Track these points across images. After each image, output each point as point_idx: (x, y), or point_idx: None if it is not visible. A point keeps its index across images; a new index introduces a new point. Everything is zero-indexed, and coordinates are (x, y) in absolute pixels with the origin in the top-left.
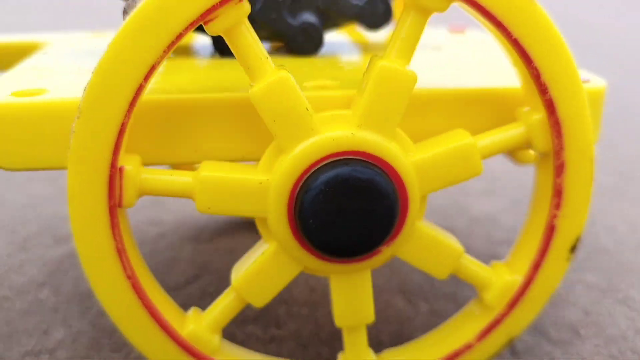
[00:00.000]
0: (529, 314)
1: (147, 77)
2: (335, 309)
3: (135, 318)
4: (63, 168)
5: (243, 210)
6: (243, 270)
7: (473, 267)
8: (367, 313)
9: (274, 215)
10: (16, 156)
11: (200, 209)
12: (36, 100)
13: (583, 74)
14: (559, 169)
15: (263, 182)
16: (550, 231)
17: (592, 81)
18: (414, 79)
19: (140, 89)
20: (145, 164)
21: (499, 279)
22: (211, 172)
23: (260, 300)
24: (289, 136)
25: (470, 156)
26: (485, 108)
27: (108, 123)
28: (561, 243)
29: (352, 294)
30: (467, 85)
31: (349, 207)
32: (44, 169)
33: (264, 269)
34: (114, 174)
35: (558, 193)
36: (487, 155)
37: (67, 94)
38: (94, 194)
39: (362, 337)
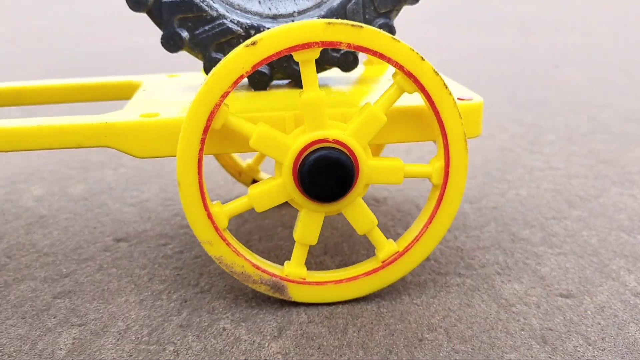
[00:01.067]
0: (405, 265)
1: (221, 100)
2: (297, 229)
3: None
4: (172, 155)
5: (274, 154)
6: (258, 188)
7: (378, 236)
8: (313, 238)
9: (287, 165)
10: (145, 151)
11: (252, 145)
12: (156, 119)
13: (466, 93)
14: (442, 193)
15: (288, 145)
16: (430, 220)
17: (474, 99)
18: (384, 121)
19: (216, 107)
20: (215, 152)
21: (390, 246)
22: (267, 128)
23: (260, 207)
24: (310, 126)
25: (399, 171)
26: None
27: (198, 127)
28: (435, 232)
29: (310, 223)
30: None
31: (327, 173)
32: (159, 156)
33: (271, 191)
34: (201, 157)
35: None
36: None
37: (172, 116)
38: (190, 167)
39: (304, 253)
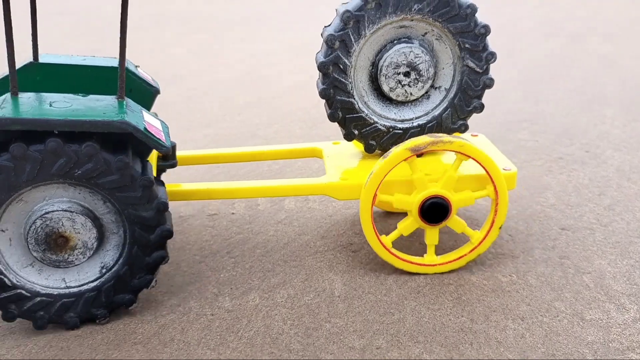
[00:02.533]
0: (485, 245)
1: (384, 176)
2: (426, 239)
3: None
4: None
5: (407, 209)
6: (403, 223)
7: (469, 230)
8: (436, 242)
9: (414, 213)
10: (344, 197)
11: (395, 206)
12: (347, 182)
13: (507, 164)
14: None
15: (411, 203)
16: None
17: (511, 169)
18: (455, 178)
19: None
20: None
21: (477, 234)
22: (400, 196)
23: (406, 233)
24: (420, 188)
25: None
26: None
27: (373, 191)
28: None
29: (432, 235)
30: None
31: (433, 206)
32: (352, 199)
33: (409, 225)
34: (374, 199)
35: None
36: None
37: (357, 182)
38: (368, 206)
39: (433, 250)
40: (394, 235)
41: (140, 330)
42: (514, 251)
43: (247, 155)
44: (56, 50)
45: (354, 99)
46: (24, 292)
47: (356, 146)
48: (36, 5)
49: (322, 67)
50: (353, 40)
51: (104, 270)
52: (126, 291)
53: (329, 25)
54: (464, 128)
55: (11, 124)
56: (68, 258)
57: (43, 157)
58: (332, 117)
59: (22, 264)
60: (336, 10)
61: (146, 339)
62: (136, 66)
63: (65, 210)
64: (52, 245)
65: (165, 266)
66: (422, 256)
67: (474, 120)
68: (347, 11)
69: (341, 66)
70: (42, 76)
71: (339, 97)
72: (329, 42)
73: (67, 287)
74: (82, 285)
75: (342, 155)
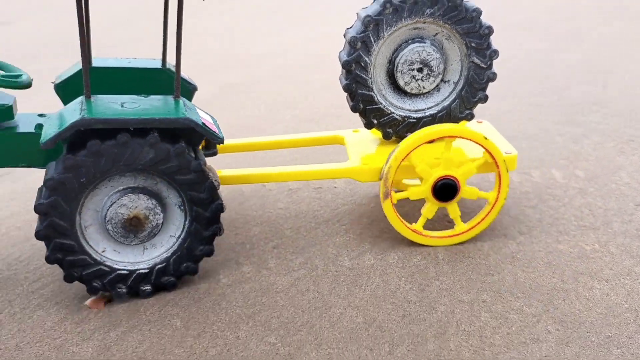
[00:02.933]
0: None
1: (406, 156)
2: (424, 211)
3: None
4: (376, 180)
5: (425, 177)
6: (413, 189)
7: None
8: (431, 215)
9: (429, 183)
10: (365, 179)
11: (417, 172)
12: (368, 166)
13: (509, 148)
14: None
15: (432, 175)
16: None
17: (512, 152)
18: (475, 172)
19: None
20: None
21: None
22: (424, 165)
23: (413, 198)
24: (444, 166)
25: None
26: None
27: (396, 165)
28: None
29: (431, 209)
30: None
31: (445, 186)
32: (371, 181)
33: (420, 191)
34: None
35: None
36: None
37: (375, 165)
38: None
39: (424, 221)
40: (421, 221)
41: (279, 282)
42: (595, 224)
43: (275, 144)
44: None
45: (374, 92)
46: (104, 267)
47: (374, 133)
48: (89, 13)
49: (345, 64)
50: (373, 41)
51: (170, 245)
52: (190, 261)
53: (351, 27)
54: (470, 117)
55: (95, 123)
56: (141, 236)
57: (116, 150)
58: (354, 109)
59: (101, 244)
60: (357, 14)
61: (285, 288)
62: (169, 65)
63: (135, 195)
64: (127, 227)
65: (287, 231)
66: (453, 228)
67: (544, 103)
68: (368, 16)
69: (362, 64)
70: (94, 79)
71: (360, 91)
72: (352, 42)
73: (141, 262)
74: (153, 258)
75: (363, 142)
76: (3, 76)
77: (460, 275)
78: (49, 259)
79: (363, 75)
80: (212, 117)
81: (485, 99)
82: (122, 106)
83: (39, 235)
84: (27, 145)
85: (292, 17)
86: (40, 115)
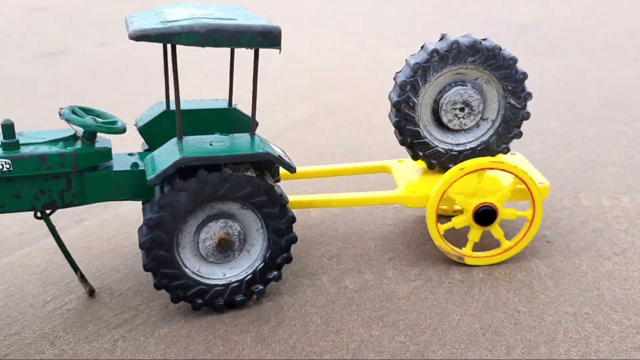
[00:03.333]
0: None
1: (447, 188)
2: (470, 236)
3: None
4: (423, 207)
5: (465, 208)
6: (457, 219)
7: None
8: (477, 239)
9: (469, 212)
10: (413, 205)
11: (457, 203)
12: (416, 194)
13: (541, 179)
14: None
15: (470, 204)
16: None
17: (544, 183)
18: (509, 197)
19: (445, 191)
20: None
21: (507, 242)
22: (461, 197)
23: (458, 226)
24: (480, 195)
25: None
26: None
27: (437, 198)
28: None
29: (476, 234)
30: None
31: (485, 211)
32: (419, 207)
33: (463, 220)
34: (437, 210)
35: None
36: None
37: (424, 194)
38: (434, 214)
39: (472, 245)
40: (469, 245)
41: (400, 290)
42: None
43: (329, 172)
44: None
45: (420, 128)
46: (202, 286)
47: (417, 163)
48: (177, 65)
49: (396, 104)
50: (420, 84)
51: (253, 258)
52: (274, 269)
53: (400, 71)
54: (506, 150)
55: (194, 161)
56: (228, 255)
57: (217, 182)
58: (402, 142)
59: (190, 261)
60: (406, 60)
61: (406, 295)
62: (235, 104)
63: (229, 220)
64: (218, 247)
65: (399, 245)
66: (500, 247)
67: (627, 130)
68: (417, 63)
69: (410, 104)
70: (172, 121)
71: (408, 127)
72: (402, 86)
73: (226, 278)
74: (239, 274)
75: (408, 171)
76: (102, 123)
77: (563, 290)
78: (158, 287)
79: (411, 114)
80: (281, 149)
81: (520, 135)
82: (211, 145)
83: (146, 267)
84: (124, 182)
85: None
86: (130, 155)
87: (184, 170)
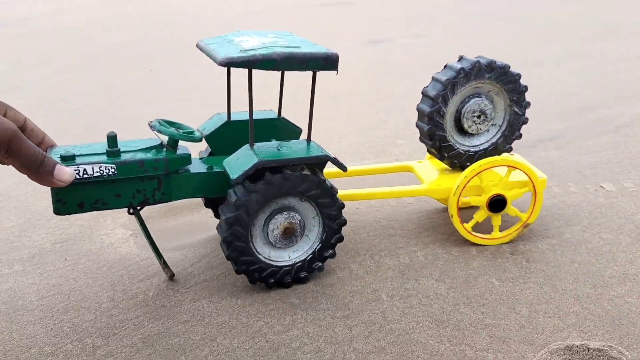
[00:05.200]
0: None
1: (466, 183)
2: (494, 220)
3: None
4: (444, 197)
5: (480, 205)
6: (478, 214)
7: (519, 213)
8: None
9: (484, 206)
10: (436, 196)
11: (472, 202)
12: (440, 187)
13: (540, 173)
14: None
15: (483, 200)
16: (532, 210)
17: (542, 176)
18: (519, 195)
19: (466, 185)
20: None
21: (525, 215)
22: (476, 198)
23: (479, 219)
24: (491, 190)
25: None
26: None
27: (459, 192)
28: (536, 212)
29: (494, 217)
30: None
31: (496, 201)
32: (441, 197)
33: (482, 215)
34: (458, 201)
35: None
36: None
37: (446, 186)
38: (456, 205)
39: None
40: (472, 222)
41: (477, 265)
42: None
43: (358, 172)
44: None
45: (447, 133)
46: (273, 268)
47: (433, 163)
48: (252, 84)
49: (430, 114)
50: (449, 96)
51: (312, 241)
52: (329, 248)
53: (428, 86)
54: (509, 150)
55: (270, 164)
56: (292, 240)
57: (281, 181)
58: (433, 146)
59: (262, 248)
60: (433, 77)
61: (482, 272)
62: (282, 115)
63: (290, 212)
64: (284, 234)
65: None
66: (490, 234)
67: None
68: (448, 79)
69: (441, 113)
70: (234, 130)
71: (438, 133)
72: (436, 98)
73: (291, 259)
74: (301, 255)
75: (429, 170)
76: (183, 132)
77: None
78: (239, 272)
79: (440, 122)
80: (332, 152)
81: (520, 136)
82: (279, 150)
83: (229, 257)
84: (202, 182)
85: None
86: (201, 159)
87: (252, 174)
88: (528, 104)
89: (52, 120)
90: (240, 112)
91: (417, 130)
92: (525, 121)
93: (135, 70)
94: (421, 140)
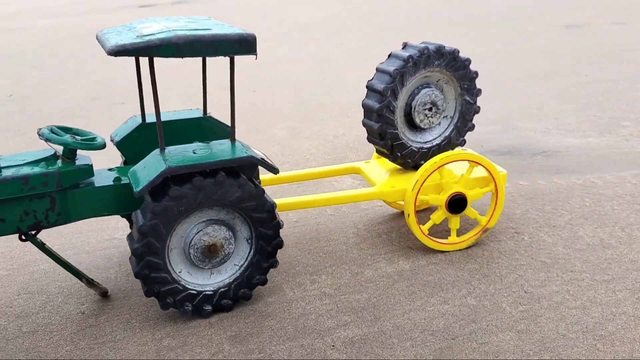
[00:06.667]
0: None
1: (422, 184)
2: (450, 224)
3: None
4: (401, 200)
5: (438, 204)
6: (435, 215)
7: (478, 216)
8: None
9: (443, 206)
10: (392, 199)
11: (430, 201)
12: (395, 189)
13: (501, 169)
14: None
15: (441, 199)
16: (493, 213)
17: (502, 171)
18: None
19: (421, 186)
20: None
21: (484, 219)
22: (433, 197)
23: (437, 221)
24: (446, 189)
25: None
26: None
27: (415, 193)
28: (496, 216)
29: (454, 220)
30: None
31: (456, 200)
32: (397, 200)
33: (440, 215)
34: (416, 199)
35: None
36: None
37: (401, 187)
38: (412, 206)
39: (455, 231)
40: (429, 224)
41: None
42: None
43: (300, 176)
44: None
45: (398, 130)
46: (178, 286)
47: (381, 162)
48: (155, 76)
49: (379, 110)
50: (399, 89)
51: (233, 272)
52: (261, 273)
53: (372, 79)
54: (463, 143)
55: (180, 170)
56: (213, 262)
57: (212, 187)
58: (384, 146)
59: (180, 266)
60: (377, 68)
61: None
62: (209, 114)
63: (218, 226)
64: (205, 252)
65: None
66: (447, 238)
67: None
68: (396, 69)
69: (391, 108)
70: (150, 133)
71: (389, 131)
72: (385, 91)
73: (207, 284)
74: (218, 282)
75: (378, 171)
76: (81, 140)
77: None
78: (148, 294)
79: (391, 118)
80: (262, 152)
81: (473, 127)
82: (194, 153)
83: (137, 275)
84: (108, 197)
85: None
86: (110, 170)
87: (173, 179)
88: (479, 91)
89: None
90: (162, 112)
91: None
92: (478, 110)
93: None
94: (370, 140)
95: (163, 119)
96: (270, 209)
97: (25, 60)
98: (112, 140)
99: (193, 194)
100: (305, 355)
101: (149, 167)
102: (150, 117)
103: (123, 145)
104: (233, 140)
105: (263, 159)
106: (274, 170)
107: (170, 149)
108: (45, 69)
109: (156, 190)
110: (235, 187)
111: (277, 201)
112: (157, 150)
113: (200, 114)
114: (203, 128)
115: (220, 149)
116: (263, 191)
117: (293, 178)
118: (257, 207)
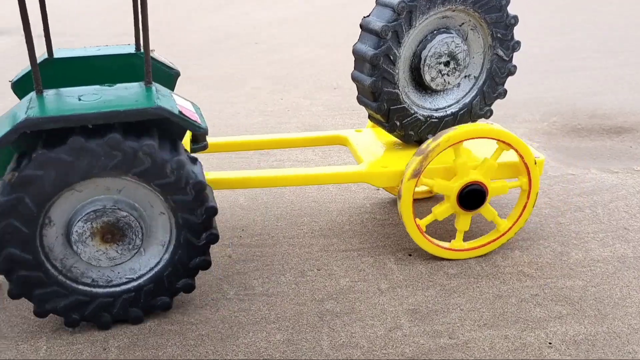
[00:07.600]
0: (512, 233)
1: (425, 166)
2: (457, 225)
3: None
4: (396, 185)
5: (446, 194)
6: (438, 209)
7: (498, 219)
8: (466, 228)
9: (452, 198)
10: (382, 184)
11: (435, 190)
12: (389, 170)
13: (538, 154)
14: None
15: (452, 188)
16: (520, 215)
17: (540, 157)
18: (496, 167)
19: (422, 170)
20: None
21: (505, 223)
22: (440, 181)
23: (441, 218)
24: (461, 175)
25: (506, 187)
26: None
27: (414, 178)
28: (523, 220)
29: (464, 221)
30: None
31: (471, 192)
32: (389, 185)
33: (445, 209)
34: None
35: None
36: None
37: (397, 168)
38: (409, 195)
39: (461, 236)
40: (428, 219)
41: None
42: None
43: (274, 143)
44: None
45: (399, 90)
46: (61, 290)
47: (377, 133)
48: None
49: (374, 58)
50: (404, 30)
51: (155, 261)
52: (185, 276)
53: (369, 15)
54: (489, 114)
55: (43, 123)
56: (118, 255)
57: (69, 159)
58: (378, 110)
59: (62, 262)
60: (377, 1)
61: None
62: (151, 50)
63: (115, 206)
64: (101, 243)
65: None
66: (450, 242)
67: None
68: (402, 1)
69: (391, 57)
70: (59, 71)
71: (386, 89)
72: (383, 32)
73: (115, 285)
74: (134, 280)
75: (371, 144)
76: None
77: None
78: (13, 295)
79: (390, 71)
80: (194, 104)
81: (504, 93)
82: (79, 100)
83: None
84: None
85: None
86: None
87: (55, 135)
88: (517, 44)
89: None
90: (85, 48)
91: None
92: (513, 71)
93: None
94: (360, 100)
95: (78, 54)
96: (197, 187)
97: None
98: (10, 81)
99: (69, 161)
100: (512, 350)
101: (10, 117)
102: (60, 52)
103: (20, 87)
104: (149, 83)
105: (182, 113)
106: (198, 129)
107: (49, 93)
108: None
109: (27, 152)
110: (141, 154)
111: (215, 175)
112: (32, 94)
113: (132, 50)
114: (136, 67)
115: (119, 95)
116: (184, 162)
117: (261, 144)
118: (176, 185)
